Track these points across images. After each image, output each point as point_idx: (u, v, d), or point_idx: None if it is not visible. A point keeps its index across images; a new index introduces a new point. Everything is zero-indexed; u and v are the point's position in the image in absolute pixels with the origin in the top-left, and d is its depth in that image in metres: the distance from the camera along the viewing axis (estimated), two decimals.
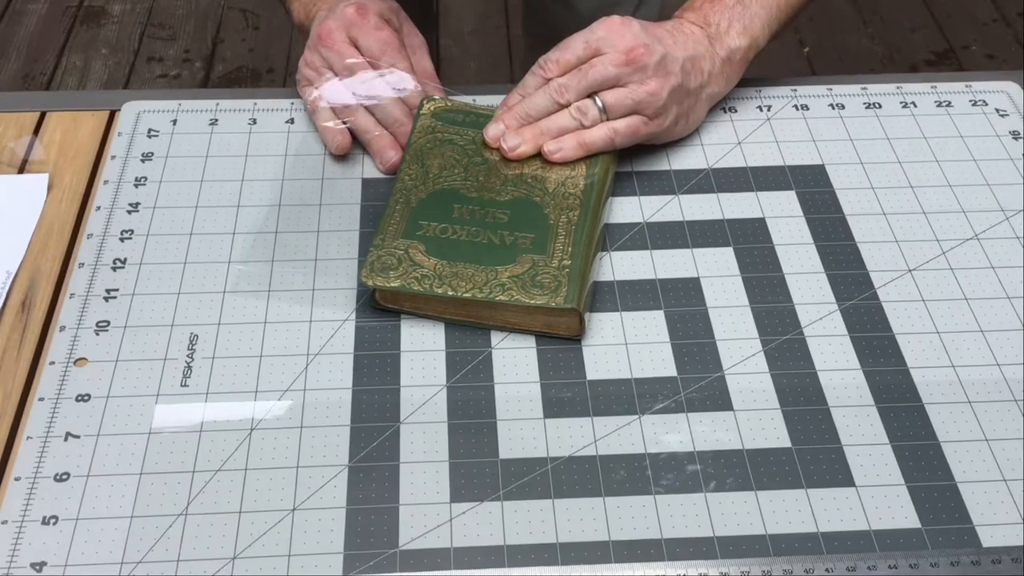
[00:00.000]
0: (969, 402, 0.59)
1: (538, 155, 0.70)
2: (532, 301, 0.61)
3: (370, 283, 0.62)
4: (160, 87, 2.03)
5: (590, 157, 0.70)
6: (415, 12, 0.81)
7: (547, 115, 0.70)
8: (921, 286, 0.66)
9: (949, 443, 0.57)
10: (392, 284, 0.62)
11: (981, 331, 0.63)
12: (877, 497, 0.55)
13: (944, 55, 2.12)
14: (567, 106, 0.70)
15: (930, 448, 0.57)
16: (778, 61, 2.06)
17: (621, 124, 0.70)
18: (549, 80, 0.70)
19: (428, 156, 0.70)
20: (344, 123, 0.73)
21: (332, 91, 0.73)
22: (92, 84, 2.04)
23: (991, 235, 0.69)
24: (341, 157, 0.73)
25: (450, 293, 0.62)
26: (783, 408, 0.59)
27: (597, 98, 0.69)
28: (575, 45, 0.70)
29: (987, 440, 0.57)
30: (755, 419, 0.58)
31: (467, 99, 0.76)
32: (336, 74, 0.74)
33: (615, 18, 0.71)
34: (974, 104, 0.79)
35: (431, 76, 0.76)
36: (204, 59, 2.11)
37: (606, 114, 0.69)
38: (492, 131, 0.71)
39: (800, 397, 0.59)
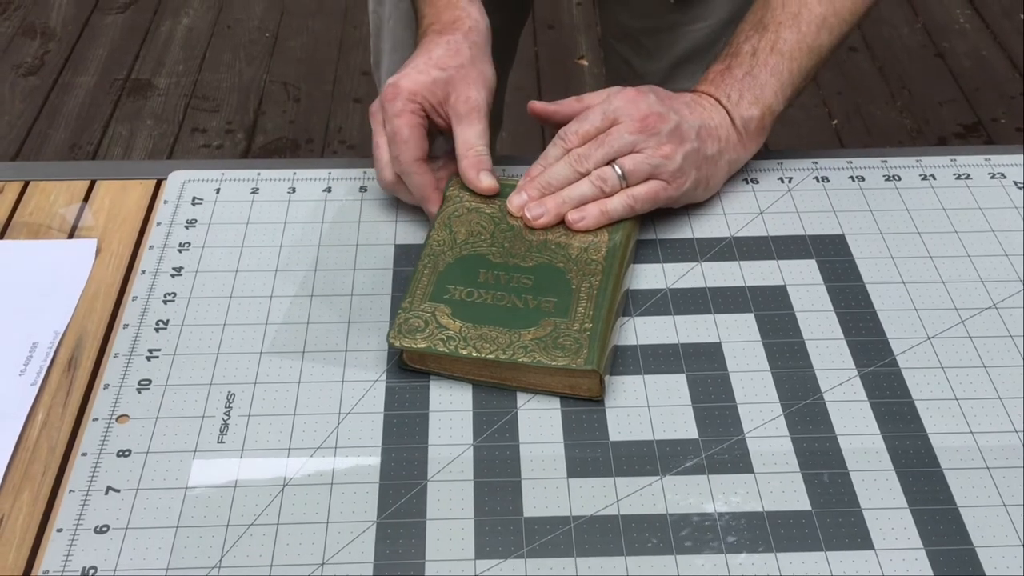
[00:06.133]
0: (987, 468, 0.60)
1: (561, 223, 0.72)
2: (554, 363, 0.63)
3: (397, 344, 0.64)
4: (203, 157, 2.09)
5: (612, 224, 0.72)
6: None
7: (568, 184, 0.72)
8: (940, 353, 0.67)
9: (967, 508, 0.58)
10: (419, 345, 0.64)
11: (999, 398, 0.64)
12: (896, 560, 0.56)
13: (972, 128, 2.14)
14: (587, 174, 0.72)
15: (948, 513, 0.58)
16: (806, 134, 2.09)
17: (641, 190, 0.72)
18: (569, 151, 0.73)
19: (456, 223, 0.73)
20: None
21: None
22: (137, 154, 2.10)
23: (1009, 304, 0.70)
24: (374, 224, 0.76)
25: (474, 354, 0.63)
26: (803, 471, 0.60)
27: (616, 165, 0.72)
28: (593, 116, 0.73)
29: (1005, 505, 0.58)
30: (775, 482, 0.59)
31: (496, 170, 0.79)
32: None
33: (630, 89, 0.73)
34: (992, 177, 0.80)
35: (470, 146, 0.73)
36: (246, 130, 2.17)
37: (626, 180, 0.72)
38: (516, 201, 0.73)
39: (820, 461, 0.60)
